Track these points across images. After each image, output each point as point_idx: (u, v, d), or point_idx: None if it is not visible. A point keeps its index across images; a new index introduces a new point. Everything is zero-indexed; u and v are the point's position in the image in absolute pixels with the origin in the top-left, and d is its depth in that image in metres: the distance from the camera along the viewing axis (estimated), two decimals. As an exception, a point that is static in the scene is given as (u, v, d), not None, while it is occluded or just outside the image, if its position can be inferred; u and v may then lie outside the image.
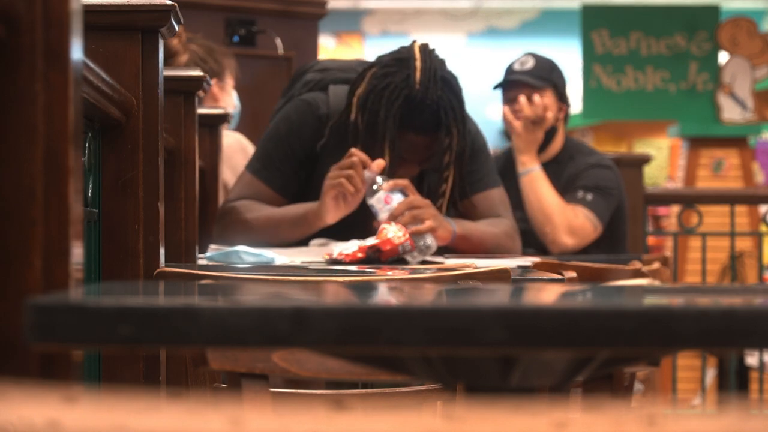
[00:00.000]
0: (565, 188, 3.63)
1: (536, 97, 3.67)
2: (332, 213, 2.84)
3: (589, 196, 3.58)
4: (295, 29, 4.80)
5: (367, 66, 2.97)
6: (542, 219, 3.57)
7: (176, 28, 2.11)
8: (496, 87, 3.80)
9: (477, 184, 3.04)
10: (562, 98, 3.74)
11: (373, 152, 2.87)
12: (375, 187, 2.76)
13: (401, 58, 2.91)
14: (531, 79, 3.69)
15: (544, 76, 3.71)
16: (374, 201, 2.76)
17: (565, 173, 3.68)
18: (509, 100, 3.75)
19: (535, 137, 3.67)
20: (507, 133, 3.81)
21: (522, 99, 3.68)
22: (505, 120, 3.76)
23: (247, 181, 3.03)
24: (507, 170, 3.73)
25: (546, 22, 12.14)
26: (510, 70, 3.77)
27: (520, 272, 2.20)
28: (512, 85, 3.74)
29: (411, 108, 2.88)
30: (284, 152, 3.01)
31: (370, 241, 2.53)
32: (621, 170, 3.97)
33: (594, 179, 3.63)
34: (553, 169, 3.68)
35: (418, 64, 2.89)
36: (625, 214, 3.73)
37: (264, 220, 2.95)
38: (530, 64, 3.73)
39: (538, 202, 3.58)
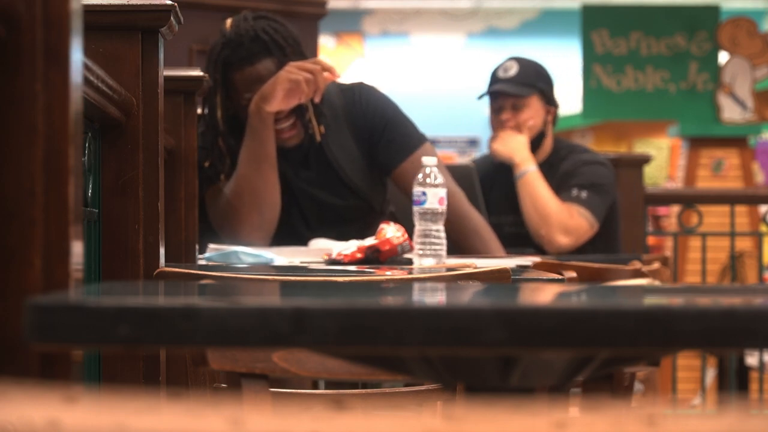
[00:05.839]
0: (559, 186, 3.58)
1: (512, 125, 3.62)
2: (277, 102, 2.88)
3: (584, 194, 3.55)
4: (295, 29, 4.79)
5: None
6: (538, 221, 3.53)
7: (176, 28, 2.11)
8: (480, 97, 3.73)
9: (401, 151, 3.03)
10: (549, 101, 3.66)
11: (213, 105, 2.97)
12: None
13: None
14: (514, 89, 3.61)
15: (529, 82, 3.63)
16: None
17: (559, 172, 3.63)
18: (495, 110, 3.68)
19: (518, 143, 3.61)
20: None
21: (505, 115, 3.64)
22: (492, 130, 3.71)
23: (214, 191, 3.02)
24: (491, 175, 3.70)
25: (546, 22, 12.13)
26: (494, 78, 3.68)
27: (519, 272, 2.20)
28: (496, 94, 3.66)
29: (232, 49, 2.97)
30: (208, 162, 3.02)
31: (369, 241, 2.53)
32: (621, 170, 3.96)
33: (588, 177, 3.59)
34: (545, 171, 3.62)
35: (228, 20, 3.03)
36: (618, 211, 3.71)
37: (232, 186, 2.96)
38: (513, 70, 3.64)
39: (534, 204, 3.53)
